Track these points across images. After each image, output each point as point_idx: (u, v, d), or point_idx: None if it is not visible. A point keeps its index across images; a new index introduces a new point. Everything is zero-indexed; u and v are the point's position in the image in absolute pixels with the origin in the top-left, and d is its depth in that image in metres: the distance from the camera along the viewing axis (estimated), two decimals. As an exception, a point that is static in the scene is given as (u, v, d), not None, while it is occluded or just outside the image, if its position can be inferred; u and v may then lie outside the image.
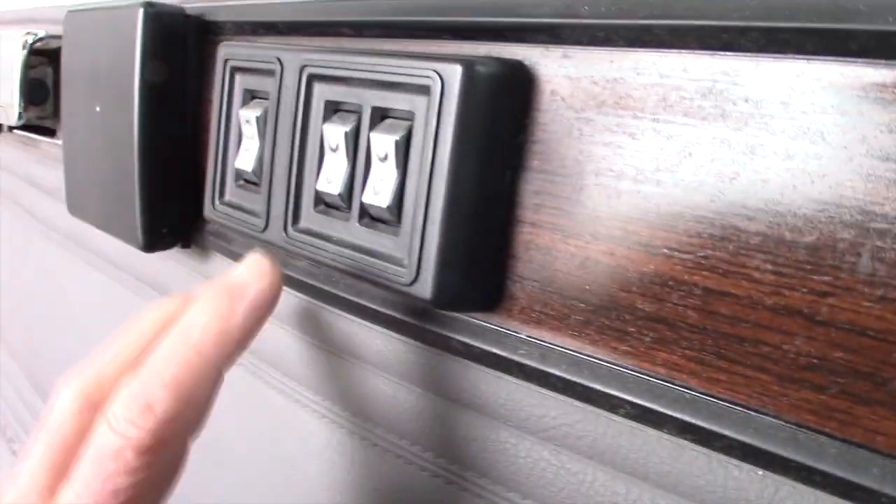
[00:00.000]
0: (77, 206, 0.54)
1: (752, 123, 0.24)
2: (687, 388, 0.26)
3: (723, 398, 0.26)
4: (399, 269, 0.30)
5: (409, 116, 0.31)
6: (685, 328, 0.26)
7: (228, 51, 0.39)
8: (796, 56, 0.23)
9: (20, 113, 0.63)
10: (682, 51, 0.26)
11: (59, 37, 0.58)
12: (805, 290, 0.23)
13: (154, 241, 0.46)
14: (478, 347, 0.31)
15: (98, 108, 0.48)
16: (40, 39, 0.61)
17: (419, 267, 0.30)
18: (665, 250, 0.26)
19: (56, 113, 0.64)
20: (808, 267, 0.23)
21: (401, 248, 0.31)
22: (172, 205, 0.46)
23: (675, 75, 0.26)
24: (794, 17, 0.23)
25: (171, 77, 0.44)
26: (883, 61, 0.22)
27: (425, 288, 0.30)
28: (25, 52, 0.62)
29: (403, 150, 0.31)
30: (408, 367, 0.35)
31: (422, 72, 0.29)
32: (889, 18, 0.21)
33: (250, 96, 0.39)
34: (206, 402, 0.29)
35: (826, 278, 0.23)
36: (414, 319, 0.33)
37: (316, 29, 0.38)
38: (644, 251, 0.27)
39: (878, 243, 0.22)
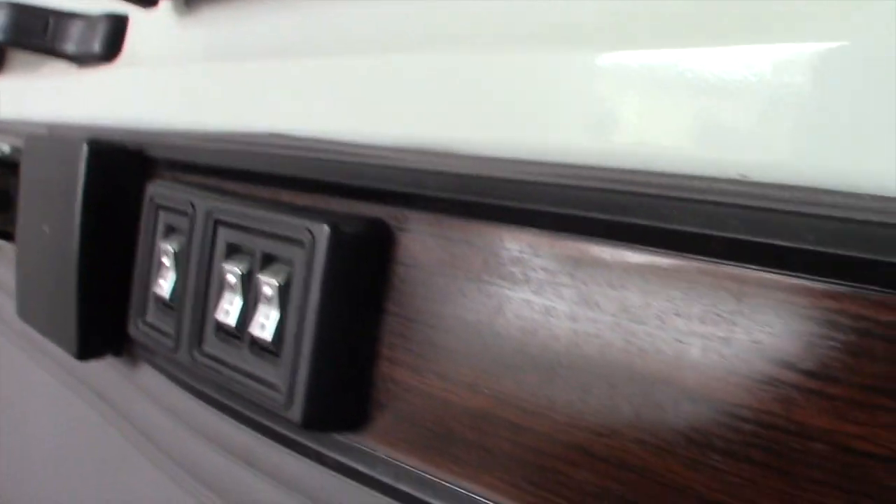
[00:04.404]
0: (25, 311, 0.58)
1: (548, 289, 0.29)
2: (506, 508, 0.31)
3: (533, 517, 0.30)
4: (276, 394, 0.35)
5: (291, 260, 0.36)
6: (501, 455, 0.31)
7: (154, 190, 0.45)
8: (579, 237, 0.29)
9: (-15, 220, 0.68)
10: (500, 224, 0.31)
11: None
12: (587, 430, 0.28)
13: (86, 349, 0.51)
14: (344, 463, 0.36)
15: (47, 229, 0.53)
16: (5, 155, 0.67)
17: (292, 394, 0.34)
18: (486, 390, 0.31)
19: (18, 220, 0.69)
20: (588, 411, 0.28)
21: (279, 377, 0.35)
22: (105, 318, 0.51)
23: (494, 244, 0.31)
24: (576, 205, 0.29)
25: (109, 205, 0.50)
26: (646, 247, 0.27)
27: (296, 412, 0.34)
28: (-9, 165, 0.67)
29: (284, 292, 0.36)
30: (289, 476, 0.39)
31: (297, 228, 0.35)
32: (651, 214, 0.27)
33: (171, 230, 0.44)
34: None
35: (601, 421, 0.28)
36: (294, 435, 0.38)
37: (228, 174, 0.43)
38: (471, 390, 0.32)
39: (637, 395, 0.27)
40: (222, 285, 0.39)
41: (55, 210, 0.53)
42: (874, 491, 0.23)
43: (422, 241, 0.34)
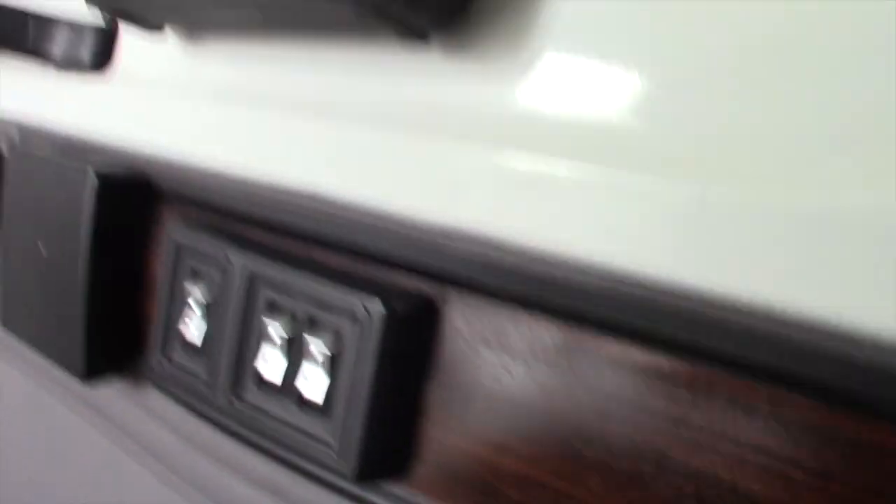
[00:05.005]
0: (12, 321, 0.59)
1: (573, 375, 0.35)
2: (540, 556, 0.36)
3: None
4: (328, 450, 0.39)
5: (340, 328, 0.39)
6: (541, 514, 0.36)
7: (178, 233, 0.46)
8: (615, 334, 0.34)
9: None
10: (538, 313, 0.36)
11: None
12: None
13: (93, 372, 0.52)
14: (386, 507, 0.40)
15: (42, 248, 0.54)
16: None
17: (344, 450, 0.39)
18: (522, 453, 0.36)
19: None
20: (619, 485, 0.34)
21: (331, 434, 0.39)
22: (111, 343, 0.52)
23: (532, 330, 0.36)
24: (616, 308, 0.33)
25: (115, 232, 0.51)
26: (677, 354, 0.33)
27: (349, 467, 0.38)
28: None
29: (335, 360, 0.39)
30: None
31: (350, 300, 0.38)
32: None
33: (196, 273, 0.46)
34: None
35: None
36: (344, 483, 0.42)
37: (255, 222, 0.46)
38: (502, 451, 0.37)
39: (666, 478, 0.33)
40: (261, 338, 0.42)
41: (53, 230, 0.53)
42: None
43: (469, 322, 0.38)
